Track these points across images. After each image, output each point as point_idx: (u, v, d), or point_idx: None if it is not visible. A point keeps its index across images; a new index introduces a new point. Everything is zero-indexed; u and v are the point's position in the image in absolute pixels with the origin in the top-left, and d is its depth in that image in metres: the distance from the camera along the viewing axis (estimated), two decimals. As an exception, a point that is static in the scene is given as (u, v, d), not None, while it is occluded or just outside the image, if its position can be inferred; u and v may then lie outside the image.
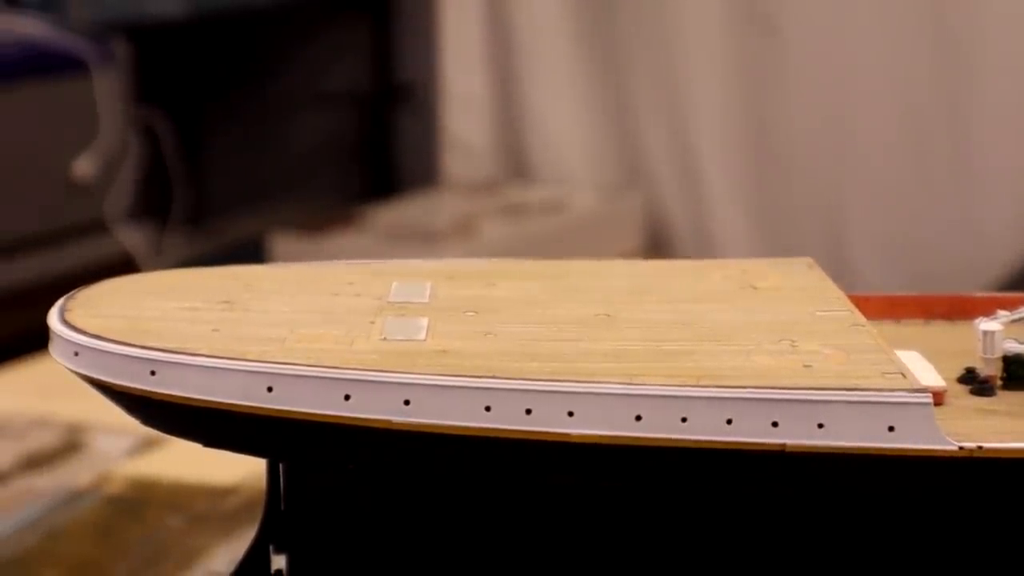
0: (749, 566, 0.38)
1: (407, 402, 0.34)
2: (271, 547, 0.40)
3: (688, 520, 0.38)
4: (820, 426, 0.35)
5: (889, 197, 2.34)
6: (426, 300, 0.41)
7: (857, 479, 0.37)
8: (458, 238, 2.25)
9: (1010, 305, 0.67)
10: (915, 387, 0.44)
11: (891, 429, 0.40)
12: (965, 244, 2.27)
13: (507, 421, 0.34)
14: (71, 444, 0.83)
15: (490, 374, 0.34)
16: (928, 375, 0.51)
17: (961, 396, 0.53)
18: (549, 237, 2.33)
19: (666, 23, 2.44)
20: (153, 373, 0.36)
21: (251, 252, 2.31)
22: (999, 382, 0.62)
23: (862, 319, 0.52)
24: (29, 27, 2.18)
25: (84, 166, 2.15)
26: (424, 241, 2.23)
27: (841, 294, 0.57)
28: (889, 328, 0.56)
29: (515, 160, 2.63)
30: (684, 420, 0.34)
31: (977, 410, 0.53)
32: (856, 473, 0.38)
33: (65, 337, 0.38)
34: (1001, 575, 0.42)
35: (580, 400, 0.34)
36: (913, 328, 0.67)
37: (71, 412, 0.86)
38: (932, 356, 0.56)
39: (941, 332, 0.68)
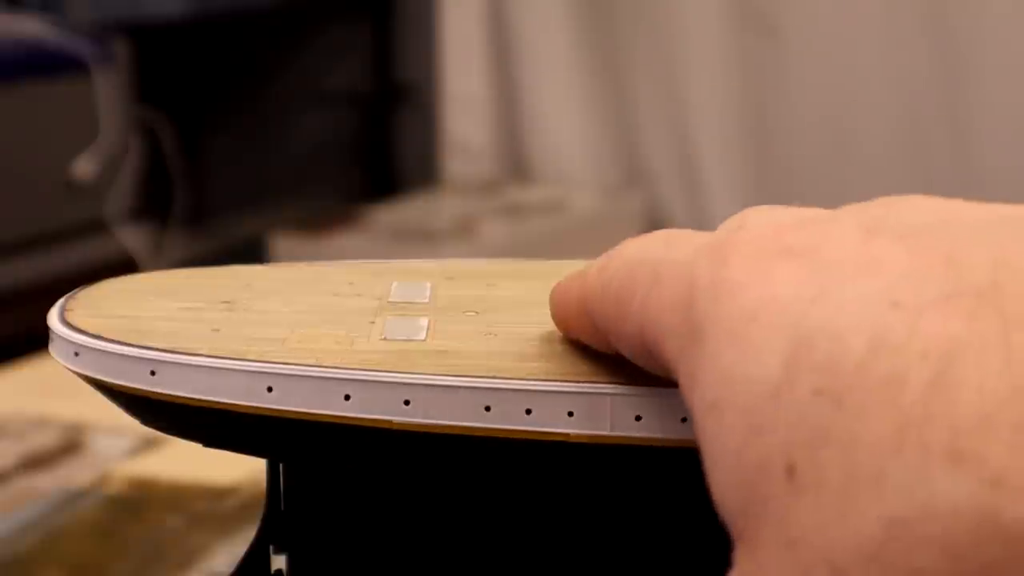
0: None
1: (407, 402, 0.34)
2: (271, 547, 0.40)
3: (688, 520, 0.38)
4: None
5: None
6: (426, 300, 0.40)
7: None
8: (458, 238, 2.25)
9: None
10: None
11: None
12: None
13: (507, 421, 0.34)
14: (71, 444, 0.83)
15: (490, 374, 0.34)
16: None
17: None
18: (549, 237, 2.33)
19: (666, 23, 2.44)
20: (153, 373, 0.36)
21: (251, 252, 2.32)
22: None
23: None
24: (29, 27, 2.18)
25: (84, 166, 2.15)
26: (424, 241, 2.23)
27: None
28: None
29: (515, 160, 2.64)
30: (684, 420, 0.34)
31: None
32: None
33: (65, 337, 0.38)
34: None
35: (580, 400, 0.34)
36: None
37: (71, 412, 0.86)
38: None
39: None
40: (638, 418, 0.33)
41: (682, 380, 0.28)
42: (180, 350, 0.35)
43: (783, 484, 0.24)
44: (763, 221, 0.29)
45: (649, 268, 0.30)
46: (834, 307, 0.25)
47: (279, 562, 0.40)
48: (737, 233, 0.28)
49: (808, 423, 0.24)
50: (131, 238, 2.22)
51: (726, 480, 0.26)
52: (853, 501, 0.23)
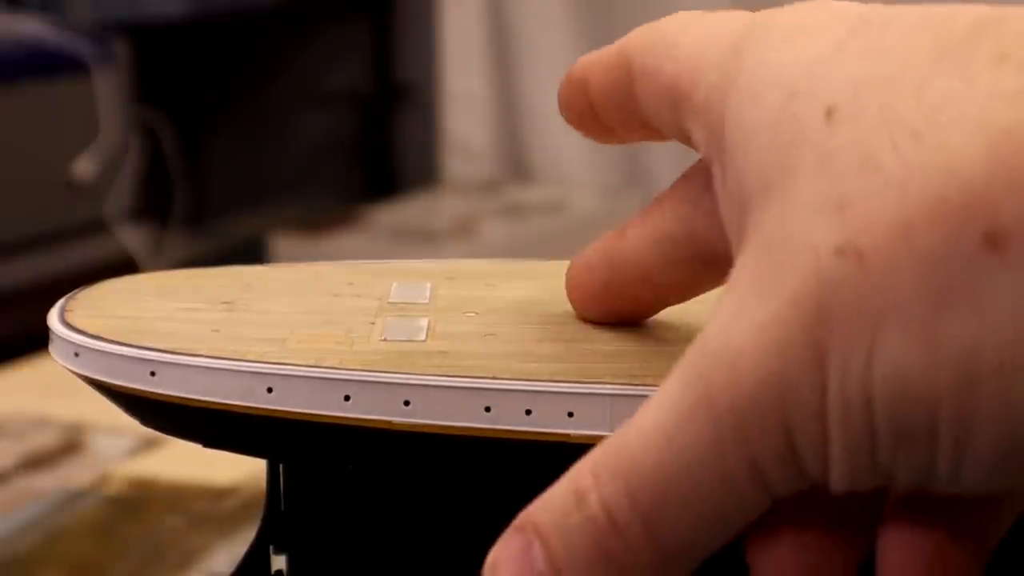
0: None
1: (407, 402, 0.34)
2: (271, 547, 0.40)
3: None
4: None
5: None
6: (426, 300, 0.40)
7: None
8: (458, 238, 2.24)
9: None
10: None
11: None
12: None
13: (507, 421, 0.34)
14: (71, 444, 0.83)
15: (490, 374, 0.34)
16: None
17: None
18: (549, 237, 2.33)
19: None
20: (153, 374, 0.36)
21: (251, 252, 2.31)
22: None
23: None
24: (29, 27, 2.18)
25: (84, 166, 2.15)
26: (424, 241, 2.23)
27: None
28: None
29: (515, 160, 2.63)
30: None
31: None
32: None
33: (65, 337, 0.37)
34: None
35: (580, 400, 0.34)
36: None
37: (71, 412, 0.86)
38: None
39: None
40: (638, 418, 0.33)
41: (709, 93, 0.31)
42: (180, 350, 0.35)
43: (822, 126, 0.27)
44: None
45: (683, 18, 0.34)
46: None
47: (279, 562, 0.40)
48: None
49: (848, 72, 0.27)
50: (131, 238, 2.22)
51: (757, 154, 0.28)
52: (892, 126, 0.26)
